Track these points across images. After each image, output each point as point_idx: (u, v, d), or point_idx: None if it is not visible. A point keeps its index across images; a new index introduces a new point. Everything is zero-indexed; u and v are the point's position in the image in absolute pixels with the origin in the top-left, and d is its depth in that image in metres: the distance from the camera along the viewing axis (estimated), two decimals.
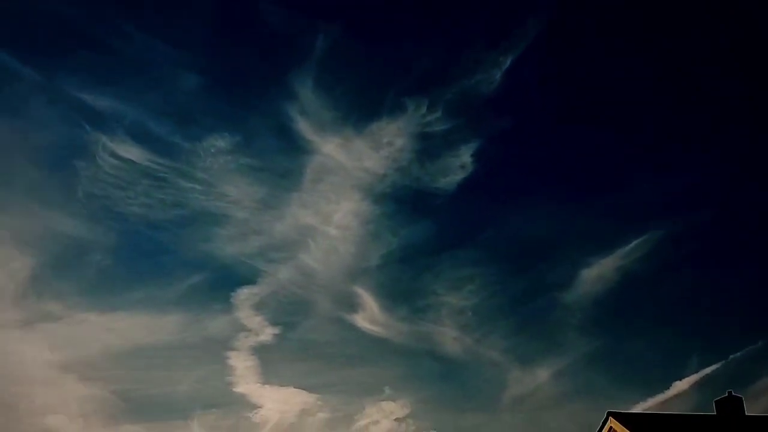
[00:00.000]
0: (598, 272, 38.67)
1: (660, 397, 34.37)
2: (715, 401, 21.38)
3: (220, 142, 38.70)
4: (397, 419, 37.90)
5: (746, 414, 20.96)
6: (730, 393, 21.12)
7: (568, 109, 41.40)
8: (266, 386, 38.18)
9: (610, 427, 19.42)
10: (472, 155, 38.55)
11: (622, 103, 40.96)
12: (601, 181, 41.26)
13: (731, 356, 36.10)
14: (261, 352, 38.00)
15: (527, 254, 41.09)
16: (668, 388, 35.11)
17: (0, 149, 37.70)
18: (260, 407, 37.97)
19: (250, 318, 38.19)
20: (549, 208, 40.91)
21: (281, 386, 38.65)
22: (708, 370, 35.56)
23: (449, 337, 39.93)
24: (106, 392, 37.32)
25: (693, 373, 35.72)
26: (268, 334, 38.13)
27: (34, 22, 37.45)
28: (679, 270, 40.12)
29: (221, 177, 39.14)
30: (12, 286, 36.70)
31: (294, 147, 39.51)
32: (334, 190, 39.56)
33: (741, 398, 21.15)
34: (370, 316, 39.13)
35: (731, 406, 20.84)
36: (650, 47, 40.18)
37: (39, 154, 38.41)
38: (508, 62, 37.83)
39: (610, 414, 19.48)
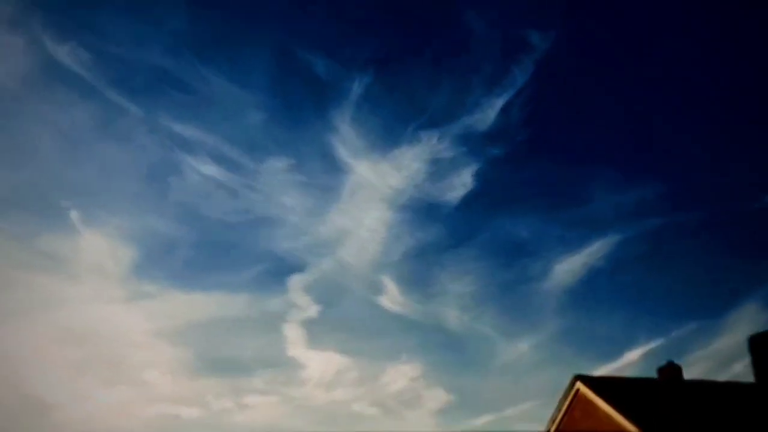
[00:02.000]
0: (568, 267, 39.49)
1: (614, 365, 35.14)
2: (658, 368, 21.45)
3: (278, 163, 39.67)
4: (411, 378, 38.83)
5: (684, 379, 21.00)
6: (670, 362, 21.20)
7: (546, 141, 42.47)
8: (311, 351, 38.83)
9: (577, 388, 19.35)
10: (472, 176, 39.26)
11: (588, 134, 42.14)
12: (571, 197, 42.02)
13: (672, 333, 37.45)
14: (308, 324, 38.58)
15: (513, 253, 41.87)
16: (621, 358, 35.87)
17: (111, 167, 39.20)
18: (306, 367, 39.03)
19: (300, 298, 38.73)
20: (531, 217, 42.02)
21: (323, 351, 39.39)
22: (652, 344, 36.49)
23: (453, 316, 40.75)
24: (189, 354, 38.75)
25: (640, 346, 36.62)
26: (313, 310, 38.55)
27: (138, 69, 38.69)
28: (631, 266, 40.97)
29: (279, 190, 39.92)
30: (118, 270, 37.55)
31: (335, 168, 40.05)
32: (365, 202, 40.03)
33: (680, 366, 21.22)
34: (392, 298, 39.80)
35: (672, 372, 20.91)
36: (608, 91, 40.85)
37: (141, 171, 39.77)
38: (500, 104, 38.89)
39: (577, 377, 19.28)
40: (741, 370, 36.95)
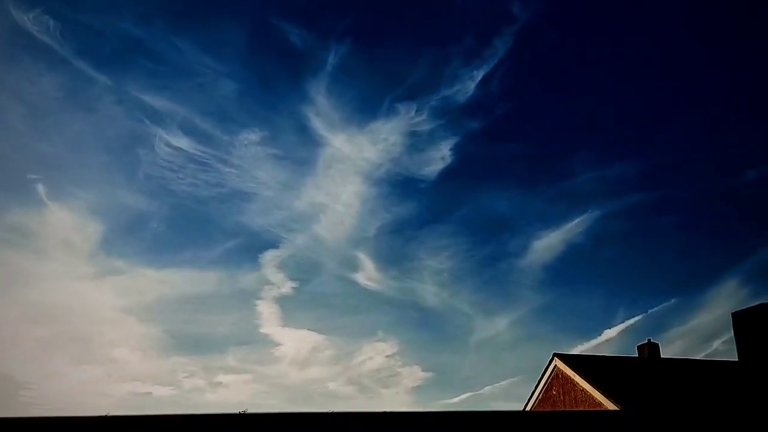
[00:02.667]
0: (547, 243, 39.75)
1: (593, 342, 35.15)
2: (637, 346, 21.69)
3: (252, 135, 39.50)
4: (387, 356, 38.91)
5: (662, 357, 21.02)
6: (649, 340, 21.40)
7: (526, 115, 42.26)
8: (285, 328, 38.95)
9: (555, 365, 19.37)
10: (450, 149, 39.26)
11: (567, 109, 41.98)
12: (551, 171, 41.99)
13: (650, 310, 37.49)
14: (282, 301, 38.87)
15: (492, 229, 41.93)
16: (600, 335, 36.08)
17: (78, 139, 38.57)
18: (280, 345, 38.96)
19: (273, 274, 38.95)
20: (510, 192, 41.98)
21: (297, 329, 39.47)
22: (631, 321, 36.65)
23: (430, 292, 41.07)
24: (160, 331, 38.63)
25: (619, 323, 36.94)
26: (287, 287, 38.76)
27: (106, 38, 37.78)
28: (611, 242, 41.32)
29: (252, 163, 39.80)
30: (86, 245, 37.28)
31: (310, 141, 40.01)
32: (341, 176, 40.16)
33: (657, 344, 21.42)
34: (368, 274, 40.08)
35: (650, 350, 21.04)
36: (592, 67, 40.74)
37: (109, 143, 39.08)
38: (480, 76, 38.79)
39: (555, 355, 19.58)
40: (720, 347, 37.49)
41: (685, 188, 40.32)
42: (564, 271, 40.33)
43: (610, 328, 36.30)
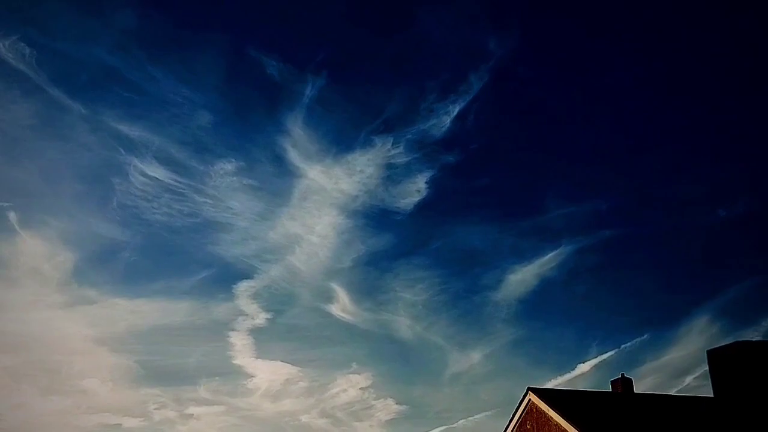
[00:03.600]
0: (521, 277, 39.68)
1: (567, 376, 35.23)
2: (611, 381, 21.68)
3: (227, 166, 39.24)
4: (361, 388, 38.61)
5: (635, 392, 21.18)
6: (623, 375, 21.44)
7: (501, 149, 42.71)
8: (259, 360, 38.65)
9: (529, 399, 19.42)
10: (426, 182, 39.28)
11: (541, 144, 42.59)
12: (524, 206, 42.21)
13: (623, 345, 37.52)
14: (255, 332, 38.47)
15: (466, 262, 42.06)
16: (573, 369, 36.14)
17: (51, 167, 38.64)
18: (253, 376, 38.62)
19: (247, 305, 38.59)
20: (484, 226, 42.04)
21: (271, 360, 39.20)
22: (605, 355, 36.81)
23: (404, 325, 40.85)
24: (131, 362, 37.97)
25: (593, 358, 36.88)
26: (261, 318, 38.40)
27: (82, 66, 38.07)
28: (584, 277, 41.54)
29: (227, 194, 39.42)
30: (58, 274, 37.00)
31: (286, 172, 39.82)
32: (317, 207, 39.73)
33: (631, 379, 21.44)
34: (343, 306, 39.72)
35: (624, 385, 21.13)
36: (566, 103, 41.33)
37: (83, 172, 39.17)
38: (456, 111, 38.76)
39: (529, 389, 19.39)
40: (693, 383, 36.72)
41: (657, 224, 40.83)
42: (538, 305, 40.36)
43: (583, 363, 36.26)
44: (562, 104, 41.72)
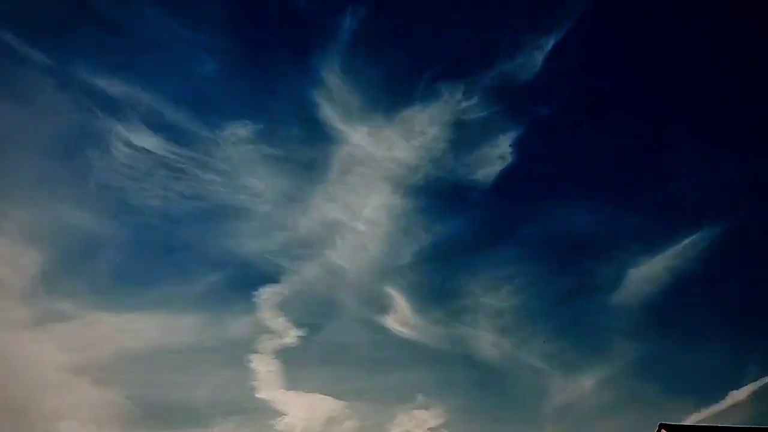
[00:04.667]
0: (648, 272, 38.02)
1: (714, 408, 34.43)
2: None
3: (240, 130, 38.41)
4: (430, 429, 37.62)
5: None
6: None
7: (613, 96, 39.76)
8: (290, 392, 37.83)
9: None
10: (511, 145, 38.05)
11: (674, 86, 38.63)
12: (650, 172, 39.19)
13: None
14: (284, 355, 37.63)
15: (570, 252, 40.02)
16: (723, 398, 34.98)
17: (6, 138, 36.90)
18: (284, 415, 37.52)
19: (273, 319, 37.89)
20: (594, 201, 39.81)
21: (306, 392, 38.37)
22: (767, 379, 34.66)
23: (486, 342, 39.15)
24: (121, 397, 36.79)
25: (751, 382, 35.24)
26: (292, 336, 37.87)
27: (44, 3, 36.75)
28: (736, 270, 38.29)
29: (242, 168, 38.78)
30: (21, 283, 36.28)
31: (319, 136, 38.81)
32: (363, 183, 39.10)
33: None
34: (402, 317, 38.57)
35: None
36: (704, 24, 39.23)
37: (48, 143, 37.76)
38: (551, 44, 37.31)
39: (662, 426, 19.12)
40: None
41: None
42: (672, 311, 38.72)
43: (737, 390, 34.92)
44: (693, 32, 38.74)
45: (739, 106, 38.90)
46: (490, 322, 39.60)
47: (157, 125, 37.62)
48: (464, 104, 37.68)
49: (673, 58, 39.42)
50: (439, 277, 40.44)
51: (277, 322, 38.02)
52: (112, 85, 37.04)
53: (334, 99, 37.59)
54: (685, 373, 38.19)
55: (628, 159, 39.68)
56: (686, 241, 37.77)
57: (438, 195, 39.80)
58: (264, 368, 37.68)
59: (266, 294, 38.30)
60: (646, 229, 39.13)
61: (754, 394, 34.61)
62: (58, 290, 37.91)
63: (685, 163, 38.86)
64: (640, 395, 38.08)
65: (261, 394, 37.64)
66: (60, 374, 36.85)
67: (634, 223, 39.54)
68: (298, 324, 38.28)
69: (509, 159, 38.14)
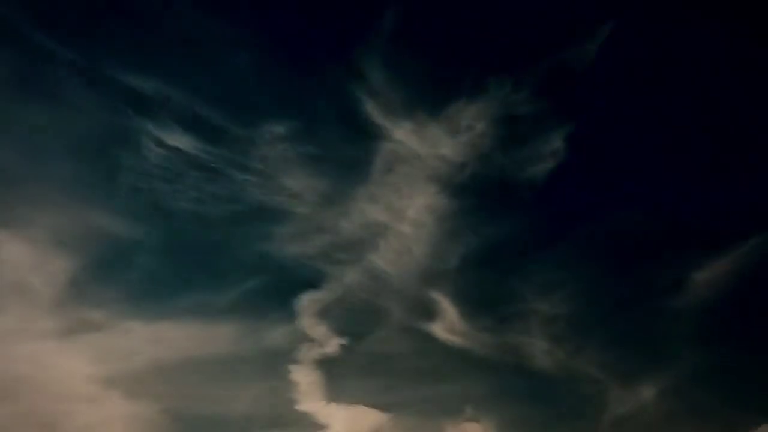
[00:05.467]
0: (712, 274, 37.31)
1: None
2: None
3: (277, 128, 37.98)
4: None
5: None
6: None
7: (674, 85, 38.38)
8: (332, 404, 37.61)
9: None
10: (564, 140, 37.47)
11: (739, 77, 37.63)
12: (714, 168, 38.07)
13: None
14: (326, 365, 37.51)
15: (629, 253, 39.03)
16: None
17: (33, 139, 37.10)
18: (326, 428, 37.46)
19: (313, 327, 37.54)
20: (654, 200, 38.89)
21: (349, 404, 37.98)
22: None
23: (539, 350, 38.51)
24: (154, 411, 36.90)
25: None
26: (333, 345, 37.65)
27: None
28: None
29: (280, 168, 38.33)
30: (50, 291, 36.26)
31: (361, 133, 38.29)
32: (407, 182, 38.59)
33: None
34: (449, 325, 38.17)
35: None
36: None
37: (77, 144, 37.51)
38: (605, 33, 36.79)
39: None
40: None
41: None
42: (737, 316, 37.86)
43: None
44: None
45: None
46: (543, 329, 39.03)
47: (190, 124, 37.62)
48: (513, 98, 37.25)
49: (741, 56, 37.65)
50: (488, 281, 39.89)
51: (318, 330, 37.87)
52: (143, 83, 36.94)
53: (375, 94, 37.28)
54: (752, 383, 37.29)
55: (689, 154, 38.36)
56: (752, 242, 36.90)
57: (486, 194, 39.19)
58: (304, 379, 37.67)
59: (306, 301, 38.07)
60: (710, 230, 38.21)
61: None
62: (88, 299, 37.74)
63: (754, 159, 37.34)
64: (703, 406, 37.66)
65: (301, 407, 37.71)
66: (91, 386, 36.73)
67: (697, 222, 38.55)
68: (340, 332, 38.19)
69: (563, 155, 37.66)
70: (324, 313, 38.14)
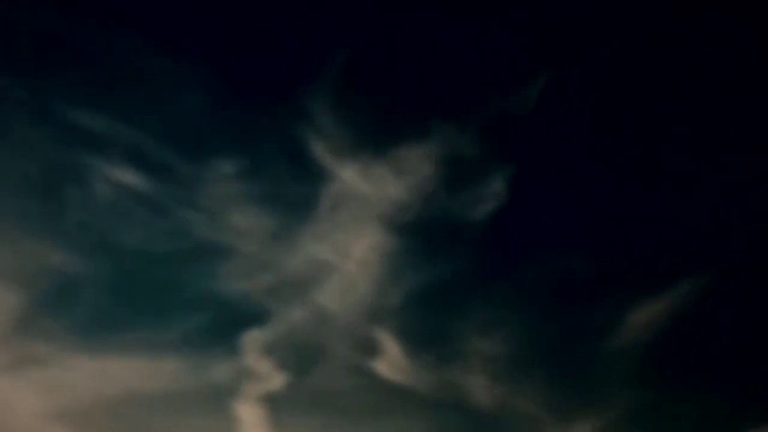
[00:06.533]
0: (646, 316, 37.59)
1: None
2: None
3: (225, 166, 37.88)
4: None
5: None
6: None
7: (616, 128, 38.82)
8: None
9: None
10: (506, 182, 37.76)
11: (680, 113, 38.52)
12: (648, 213, 38.37)
13: None
14: (270, 401, 37.18)
15: (567, 294, 39.27)
16: None
17: None
18: None
19: (258, 363, 37.38)
20: (592, 243, 39.36)
21: None
22: None
23: (480, 387, 38.23)
24: None
25: (752, 429, 34.68)
26: (278, 381, 37.40)
27: (21, 33, 35.69)
28: (737, 313, 37.03)
29: (227, 206, 38.11)
30: None
31: (308, 173, 38.26)
32: (353, 221, 38.64)
33: None
34: (392, 362, 38.17)
35: None
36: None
37: (26, 181, 37.08)
38: (548, 76, 37.43)
39: None
40: None
41: None
42: (672, 355, 37.98)
43: None
44: (701, 70, 38.29)
45: (739, 151, 37.81)
46: (484, 367, 38.78)
47: (139, 161, 37.34)
48: (457, 141, 37.74)
49: (678, 95, 38.26)
50: (430, 319, 39.81)
51: (262, 366, 37.63)
52: (92, 121, 36.77)
53: (323, 135, 37.63)
54: (686, 421, 37.43)
55: (627, 198, 38.79)
56: (685, 284, 37.66)
57: (430, 234, 39.22)
58: (248, 415, 37.30)
59: (251, 337, 37.82)
60: (645, 272, 38.63)
61: None
62: (34, 333, 37.04)
63: (685, 204, 38.34)
64: None
65: None
66: (35, 421, 36.25)
67: (632, 265, 39.02)
68: (284, 368, 37.86)
69: (504, 197, 38.08)
70: (269, 350, 38.00)
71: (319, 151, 37.89)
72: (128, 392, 37.43)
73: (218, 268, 38.99)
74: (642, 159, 39.44)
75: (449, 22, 38.31)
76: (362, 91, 38.48)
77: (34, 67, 37.00)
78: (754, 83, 37.31)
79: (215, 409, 37.84)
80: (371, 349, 38.63)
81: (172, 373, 37.93)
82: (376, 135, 38.84)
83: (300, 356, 38.91)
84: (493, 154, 38.33)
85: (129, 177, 37.05)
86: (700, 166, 39.14)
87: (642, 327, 37.63)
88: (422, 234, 39.21)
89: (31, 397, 36.26)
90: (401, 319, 39.28)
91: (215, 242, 38.79)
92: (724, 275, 37.44)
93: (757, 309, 37.75)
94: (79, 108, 36.88)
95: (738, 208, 37.75)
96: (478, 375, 38.55)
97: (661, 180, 39.30)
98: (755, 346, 37.60)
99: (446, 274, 39.86)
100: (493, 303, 39.47)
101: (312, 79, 37.90)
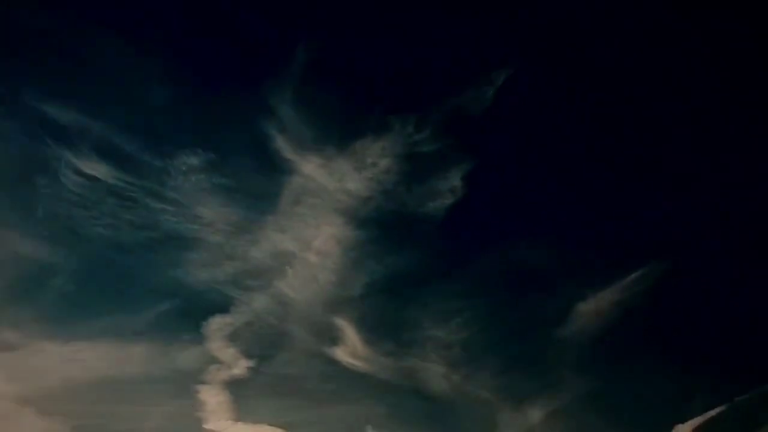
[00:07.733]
0: (596, 306, 38.05)
1: None
2: None
3: (192, 159, 38.00)
4: None
5: None
6: None
7: (570, 127, 39.60)
8: (239, 423, 37.56)
9: None
10: (462, 178, 38.16)
11: (633, 115, 39.09)
12: (599, 208, 39.67)
13: (737, 398, 35.99)
14: (234, 386, 37.64)
15: (520, 285, 40.05)
16: None
17: None
18: None
19: (222, 350, 37.77)
20: (544, 236, 39.75)
21: (255, 423, 37.97)
22: (712, 412, 35.59)
23: (436, 374, 39.13)
24: (67, 428, 36.57)
25: (696, 416, 35.70)
26: (241, 367, 37.82)
27: None
28: (681, 305, 38.66)
29: (193, 197, 38.46)
30: None
31: (271, 166, 38.70)
32: (314, 214, 38.97)
33: None
34: (352, 349, 38.75)
35: None
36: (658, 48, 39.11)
37: None
38: (501, 79, 37.36)
39: None
40: None
41: None
42: (618, 344, 38.66)
43: (682, 423, 35.46)
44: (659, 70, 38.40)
45: (685, 150, 38.09)
46: (440, 355, 39.45)
47: (108, 154, 37.44)
48: (416, 137, 37.75)
49: (628, 94, 38.39)
50: (389, 309, 40.33)
51: (227, 352, 37.86)
52: (62, 113, 36.90)
53: (286, 130, 37.79)
54: (631, 407, 38.09)
55: (577, 194, 39.15)
56: (633, 276, 37.92)
57: (389, 227, 39.56)
58: (212, 399, 37.46)
59: (216, 324, 37.96)
60: (594, 264, 39.27)
61: (699, 429, 35.19)
62: (2, 319, 37.35)
63: (633, 199, 38.65)
64: (587, 428, 38.13)
65: (209, 426, 37.33)
66: (4, 404, 36.54)
67: (582, 257, 39.52)
68: (248, 355, 38.17)
69: (460, 192, 38.27)
70: (233, 337, 38.01)
71: (282, 145, 37.90)
72: (96, 377, 37.47)
73: (184, 257, 39.29)
74: (592, 155, 40.17)
75: (409, 22, 38.64)
76: (324, 87, 38.41)
77: (6, 62, 36.83)
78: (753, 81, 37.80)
79: (181, 394, 38.00)
80: (332, 336, 39.06)
81: (138, 359, 38.11)
82: (337, 130, 38.93)
83: (263, 343, 39.24)
84: (451, 150, 38.47)
85: (98, 169, 37.04)
86: (652, 163, 40.15)
87: (592, 316, 38.02)
88: (382, 226, 39.51)
89: (1, 382, 36.38)
90: (361, 308, 39.76)
91: (181, 233, 38.93)
92: (671, 267, 37.98)
93: (703, 300, 38.76)
94: (49, 101, 36.64)
95: (685, 202, 38.42)
96: (434, 362, 39.08)
97: (611, 175, 39.96)
98: (700, 336, 38.41)
99: (404, 265, 40.21)
100: (449, 293, 40.07)
101: (275, 75, 37.81)
